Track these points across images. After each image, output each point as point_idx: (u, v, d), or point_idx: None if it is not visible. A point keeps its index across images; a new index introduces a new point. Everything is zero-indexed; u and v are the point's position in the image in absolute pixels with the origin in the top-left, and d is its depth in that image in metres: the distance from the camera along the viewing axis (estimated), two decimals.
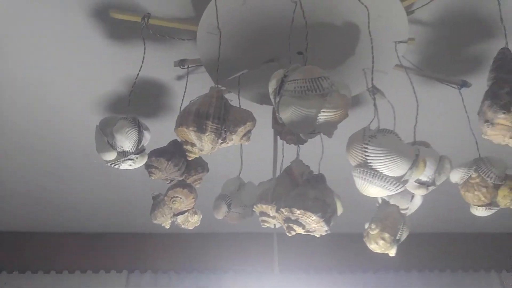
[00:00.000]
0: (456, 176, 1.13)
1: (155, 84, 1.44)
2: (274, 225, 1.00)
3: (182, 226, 1.26)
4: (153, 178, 1.07)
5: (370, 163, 0.79)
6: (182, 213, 1.23)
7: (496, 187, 1.08)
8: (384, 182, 0.79)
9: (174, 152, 1.07)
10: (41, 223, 2.45)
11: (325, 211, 0.76)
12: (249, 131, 0.84)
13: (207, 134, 0.80)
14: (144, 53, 1.09)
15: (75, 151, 1.80)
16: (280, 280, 2.15)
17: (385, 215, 1.03)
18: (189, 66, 1.20)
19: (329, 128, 0.78)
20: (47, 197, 2.17)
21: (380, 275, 2.54)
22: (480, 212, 1.12)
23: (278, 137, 1.08)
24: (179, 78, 1.41)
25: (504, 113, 0.74)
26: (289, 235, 0.79)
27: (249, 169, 1.24)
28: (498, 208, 1.11)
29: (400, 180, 0.79)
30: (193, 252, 2.56)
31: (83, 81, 1.44)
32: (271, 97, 0.78)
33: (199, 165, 1.11)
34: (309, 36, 1.10)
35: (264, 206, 0.84)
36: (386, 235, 0.98)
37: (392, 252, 1.01)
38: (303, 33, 1.09)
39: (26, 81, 1.44)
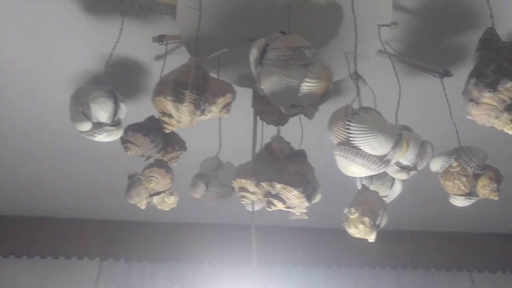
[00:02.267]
0: (436, 165, 1.12)
1: (132, 62, 1.40)
2: (253, 208, 0.98)
3: (158, 207, 1.22)
4: (129, 153, 1.03)
5: (353, 140, 0.77)
6: (158, 193, 1.19)
7: (476, 176, 1.07)
8: (366, 161, 0.77)
9: (151, 128, 1.04)
10: (14, 206, 2.40)
11: (306, 186, 0.74)
12: (228, 103, 0.81)
13: (185, 104, 0.77)
14: (122, 25, 1.05)
15: (48, 130, 1.74)
16: (257, 273, 2.14)
17: (365, 199, 1.01)
18: (168, 42, 1.16)
19: (310, 108, 0.76)
20: (19, 179, 2.11)
21: (355, 270, 2.56)
22: (460, 201, 1.11)
23: (258, 117, 1.05)
24: (158, 57, 1.38)
25: (490, 91, 0.73)
26: (269, 210, 0.77)
27: (228, 151, 1.21)
28: (477, 199, 1.11)
29: (382, 160, 0.77)
30: (168, 242, 2.52)
31: (60, 57, 1.39)
32: (252, 67, 0.76)
33: (176, 143, 1.07)
34: (291, 15, 1.09)
35: (243, 181, 0.81)
36: (366, 219, 0.97)
37: (371, 238, 0.99)
38: (286, 12, 1.07)
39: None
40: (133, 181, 1.20)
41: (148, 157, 1.08)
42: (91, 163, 1.97)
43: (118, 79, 1.46)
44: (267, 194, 0.74)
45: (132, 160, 1.84)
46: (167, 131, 0.83)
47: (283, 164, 0.76)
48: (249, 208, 1.12)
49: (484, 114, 0.76)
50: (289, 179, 0.73)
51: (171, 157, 1.08)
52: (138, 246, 2.50)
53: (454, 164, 1.08)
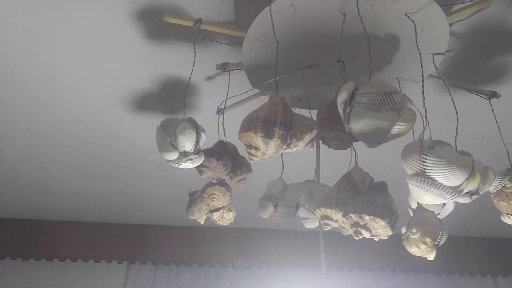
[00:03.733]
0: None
1: (192, 84, 1.48)
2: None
3: (218, 222, 1.30)
4: (203, 176, 1.10)
5: (428, 172, 0.83)
6: (217, 209, 1.27)
7: None
8: (441, 191, 0.83)
9: (223, 152, 1.11)
10: (46, 211, 2.48)
11: (391, 218, 0.81)
12: (313, 138, 0.88)
13: (274, 139, 0.84)
14: (195, 57, 1.12)
15: (89, 142, 1.82)
16: (327, 277, 2.19)
17: (424, 219, 1.08)
18: (231, 69, 1.23)
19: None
20: (53, 186, 2.20)
21: (377, 273, 2.60)
22: (511, 220, 1.17)
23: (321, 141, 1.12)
24: (209, 78, 1.45)
25: None
26: (356, 238, 0.84)
27: (289, 171, 1.28)
28: None
29: (456, 190, 0.83)
30: (194, 245, 2.61)
31: (116, 78, 1.46)
32: (340, 107, 0.82)
33: (244, 165, 1.14)
34: (349, 45, 1.15)
35: (328, 210, 0.88)
36: (428, 240, 1.03)
37: (431, 256, 1.06)
38: (343, 42, 1.14)
39: (67, 81, 1.46)
40: (195, 198, 1.28)
41: (218, 179, 1.15)
42: (121, 170, 2.04)
43: (177, 98, 1.54)
44: (355, 225, 0.81)
45: (159, 168, 1.92)
46: (251, 162, 0.90)
47: (370, 196, 0.82)
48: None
49: None
50: (378, 212, 0.80)
51: (240, 179, 1.15)
52: (165, 249, 2.58)
53: (508, 184, 1.14)
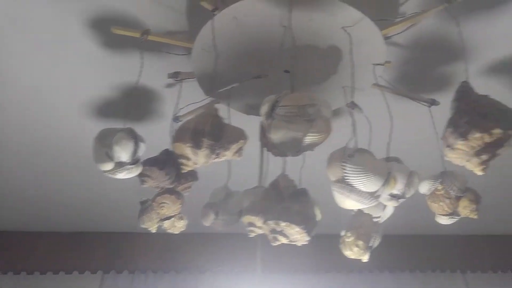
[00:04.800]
0: (424, 188, 1.23)
1: (148, 93, 1.51)
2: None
3: (168, 230, 1.32)
4: (145, 186, 1.13)
5: (348, 179, 0.88)
6: (168, 218, 1.28)
7: (458, 198, 1.19)
8: (360, 197, 0.88)
9: (166, 161, 1.14)
10: (11, 222, 2.41)
11: (307, 223, 0.85)
12: (241, 148, 0.92)
13: (202, 149, 0.88)
14: (142, 67, 1.16)
15: (58, 151, 1.84)
16: (262, 280, 2.21)
17: (360, 223, 1.12)
18: (183, 79, 1.26)
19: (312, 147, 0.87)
20: (16, 195, 2.15)
21: (355, 274, 2.65)
22: (444, 220, 1.23)
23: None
24: (169, 86, 1.48)
25: (463, 140, 0.85)
26: (274, 244, 0.88)
27: (236, 178, 1.32)
28: (459, 217, 1.22)
29: (373, 195, 0.88)
30: (171, 252, 2.57)
31: (77, 85, 1.49)
32: (263, 118, 0.87)
33: (188, 174, 1.17)
34: (296, 56, 1.20)
35: (252, 217, 0.92)
36: (360, 243, 1.08)
37: (365, 258, 1.10)
38: (288, 53, 1.18)
39: (23, 81, 1.48)
40: (145, 206, 1.29)
41: (162, 188, 1.18)
42: (92, 178, 2.04)
43: (135, 106, 1.58)
44: (273, 231, 0.86)
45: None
46: (183, 171, 0.94)
47: (288, 203, 0.87)
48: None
49: (458, 157, 0.88)
50: (293, 218, 0.84)
51: (184, 187, 1.18)
52: (141, 257, 2.53)
53: (439, 187, 1.19)
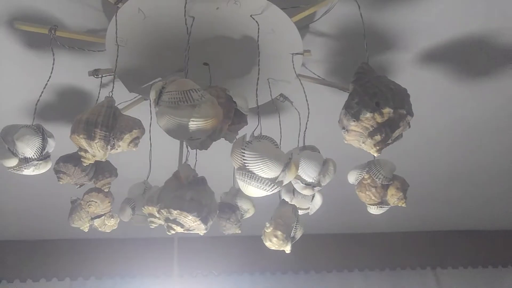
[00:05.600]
0: (352, 177, 1.22)
1: (71, 91, 1.49)
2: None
3: (100, 229, 1.30)
4: (61, 182, 1.11)
5: (247, 166, 0.86)
6: (99, 216, 1.28)
7: (385, 187, 1.17)
8: (260, 183, 0.86)
9: None
10: None
11: (201, 211, 0.83)
12: (136, 138, 0.90)
13: (96, 141, 0.86)
14: (53, 64, 1.14)
15: None
16: (180, 283, 2.21)
17: (281, 214, 1.11)
18: (103, 75, 1.25)
19: (209, 140, 0.86)
20: None
21: (323, 275, 2.66)
22: (374, 210, 1.21)
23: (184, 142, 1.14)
24: (90, 72, 1.46)
25: (354, 121, 0.83)
26: (169, 233, 0.86)
27: (158, 173, 1.30)
28: (389, 207, 1.21)
29: (274, 181, 0.87)
30: (137, 256, 2.58)
31: (4, 88, 1.47)
32: (153, 106, 0.85)
33: (106, 170, 1.16)
34: (211, 48, 1.19)
35: (150, 208, 0.90)
36: (279, 233, 1.06)
37: (287, 249, 1.08)
38: (205, 46, 1.17)
39: None
40: (75, 205, 1.28)
41: (81, 185, 1.17)
42: (52, 187, 2.01)
43: (59, 106, 1.54)
44: (167, 220, 0.83)
45: None
46: (84, 164, 0.92)
47: (182, 191, 0.85)
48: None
49: (354, 139, 0.87)
50: (184, 206, 0.82)
51: (103, 184, 1.16)
52: (108, 262, 2.55)
53: (366, 176, 1.18)
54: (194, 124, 0.78)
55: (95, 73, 1.25)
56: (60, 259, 2.54)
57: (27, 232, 2.49)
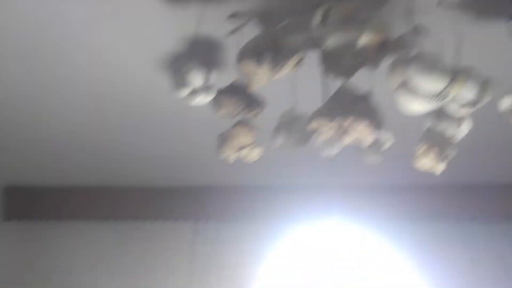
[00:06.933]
0: (507, 103, 1.16)
1: (211, 38, 1.55)
2: None
3: (244, 159, 1.41)
4: (218, 113, 1.22)
5: (411, 80, 0.87)
6: (244, 147, 1.38)
7: None
8: (425, 97, 0.87)
9: (236, 89, 1.21)
10: (100, 177, 2.61)
11: (374, 118, 0.87)
12: (299, 61, 0.95)
13: (263, 66, 0.93)
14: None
15: (134, 107, 1.91)
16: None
17: (432, 136, 1.11)
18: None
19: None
20: (104, 153, 2.31)
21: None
22: None
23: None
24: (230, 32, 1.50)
25: None
26: (341, 144, 0.90)
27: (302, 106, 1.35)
28: None
29: (439, 95, 0.87)
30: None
31: (141, 41, 1.56)
32: (315, 29, 0.88)
33: (256, 101, 1.24)
34: None
35: (319, 120, 0.91)
36: (431, 154, 1.07)
37: (439, 170, 1.09)
38: None
39: (87, 42, 1.55)
40: (224, 138, 1.40)
41: (234, 116, 1.27)
42: (178, 136, 2.12)
43: (201, 54, 1.62)
44: (339, 129, 0.88)
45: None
46: (251, 89, 1.00)
47: (353, 104, 0.89)
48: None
49: None
50: (360, 113, 0.86)
51: (254, 114, 1.25)
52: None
53: None
54: (366, 38, 0.80)
55: (233, 16, 1.31)
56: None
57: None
